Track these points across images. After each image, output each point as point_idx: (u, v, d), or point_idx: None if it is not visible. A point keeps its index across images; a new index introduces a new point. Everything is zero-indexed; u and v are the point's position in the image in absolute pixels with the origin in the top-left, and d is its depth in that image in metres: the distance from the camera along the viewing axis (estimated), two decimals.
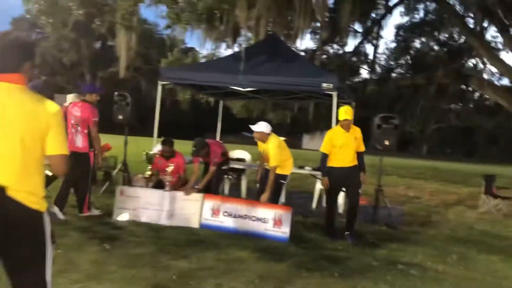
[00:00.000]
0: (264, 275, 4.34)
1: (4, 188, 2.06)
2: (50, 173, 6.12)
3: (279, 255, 5.07)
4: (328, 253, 5.36)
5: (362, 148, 6.28)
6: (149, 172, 7.14)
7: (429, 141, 48.70)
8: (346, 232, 6.07)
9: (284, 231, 5.78)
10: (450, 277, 4.74)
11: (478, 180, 13.11)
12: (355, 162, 6.19)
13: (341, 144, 6.08)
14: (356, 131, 6.21)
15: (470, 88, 20.42)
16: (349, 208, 6.29)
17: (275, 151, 6.26)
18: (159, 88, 8.05)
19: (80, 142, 6.17)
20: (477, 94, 24.47)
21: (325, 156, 6.15)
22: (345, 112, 6.00)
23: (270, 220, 5.87)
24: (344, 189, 6.43)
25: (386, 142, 7.25)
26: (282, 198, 7.48)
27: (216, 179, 7.06)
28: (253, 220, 5.96)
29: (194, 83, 8.74)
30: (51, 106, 2.20)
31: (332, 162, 6.14)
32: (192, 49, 29.45)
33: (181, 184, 6.82)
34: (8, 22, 48.34)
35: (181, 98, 22.37)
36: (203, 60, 19.35)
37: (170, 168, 6.52)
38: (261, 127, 6.38)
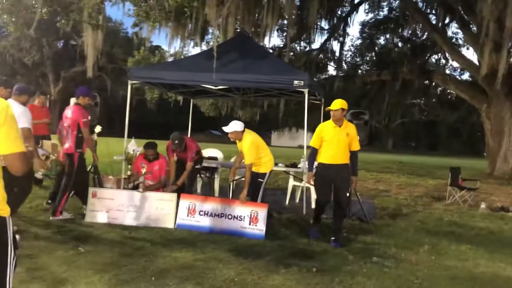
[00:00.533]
0: (242, 273, 4.34)
1: None
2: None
3: (256, 252, 5.09)
4: (304, 248, 5.41)
5: (356, 146, 5.89)
6: (129, 172, 6.99)
7: (394, 136, 49.81)
8: (332, 238, 5.69)
9: (260, 228, 5.81)
10: (423, 267, 4.87)
11: (443, 173, 13.53)
12: (346, 161, 5.80)
13: (330, 138, 5.73)
14: (349, 127, 5.84)
15: (433, 83, 21.00)
16: (335, 209, 5.85)
17: (249, 148, 6.18)
18: (129, 88, 7.93)
19: (68, 143, 6.28)
20: (440, 89, 25.15)
21: (313, 151, 5.88)
22: (334, 103, 5.66)
23: (246, 218, 5.89)
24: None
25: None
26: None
27: (190, 177, 7.01)
28: (229, 219, 5.96)
29: (165, 82, 8.65)
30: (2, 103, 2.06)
31: (321, 158, 5.82)
32: (158, 47, 29.14)
33: (160, 186, 6.75)
34: None
35: (148, 97, 22.12)
36: (170, 59, 19.19)
37: (155, 168, 6.72)
38: (233, 126, 6.28)
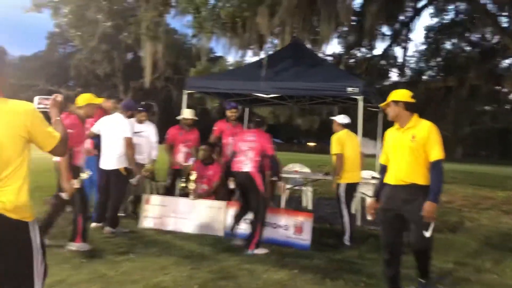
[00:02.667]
0: (287, 284, 4.27)
1: None
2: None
3: (302, 263, 4.98)
4: (354, 261, 5.22)
5: (435, 155, 3.75)
6: (183, 184, 6.84)
7: (463, 144, 47.43)
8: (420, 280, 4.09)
9: (305, 238, 5.68)
10: (483, 287, 4.54)
11: None
12: (418, 180, 3.80)
13: (391, 148, 4.05)
14: (420, 126, 3.86)
15: (505, 89, 19.79)
16: (413, 252, 4.02)
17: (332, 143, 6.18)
18: (185, 97, 8.12)
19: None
20: None
21: (382, 169, 4.17)
22: (390, 95, 4.07)
23: (291, 227, 5.79)
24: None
25: None
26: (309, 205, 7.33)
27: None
28: (274, 228, 5.89)
29: (218, 91, 8.77)
30: (26, 106, 2.22)
31: (386, 177, 4.09)
32: (220, 57, 29.73)
33: (212, 192, 6.79)
34: (45, 36, 50.24)
35: (209, 106, 22.61)
36: (230, 68, 19.51)
37: (209, 173, 6.84)
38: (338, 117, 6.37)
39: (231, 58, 23.41)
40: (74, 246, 4.98)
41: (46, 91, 44.93)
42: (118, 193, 5.91)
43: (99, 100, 5.36)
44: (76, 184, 4.87)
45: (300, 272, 4.69)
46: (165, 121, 7.98)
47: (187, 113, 7.53)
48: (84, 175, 5.11)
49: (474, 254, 5.87)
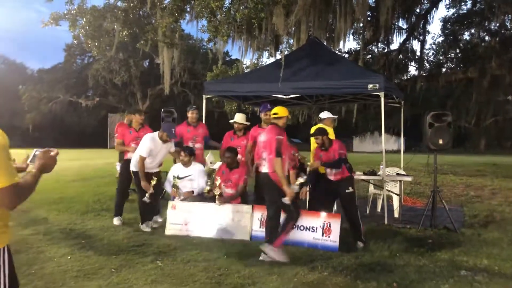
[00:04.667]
0: None
1: None
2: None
3: (332, 265, 4.90)
4: (384, 261, 5.11)
5: None
6: (208, 187, 6.70)
7: (487, 136, 46.51)
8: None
9: (333, 239, 5.59)
10: None
11: None
12: None
13: None
14: None
15: None
16: None
17: None
18: (204, 102, 8.12)
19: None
20: None
21: None
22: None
23: (319, 229, 5.70)
24: None
25: (440, 141, 6.90)
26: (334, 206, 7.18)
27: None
28: (302, 230, 5.81)
29: (236, 94, 8.74)
30: None
31: None
32: (236, 60, 29.74)
33: (238, 195, 6.74)
34: (63, 48, 51.06)
35: (227, 109, 22.61)
36: (247, 71, 19.48)
37: (234, 177, 6.73)
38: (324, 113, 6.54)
39: (247, 60, 23.38)
40: (268, 249, 5.09)
41: (67, 102, 45.73)
42: None
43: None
44: (296, 189, 5.19)
45: (330, 274, 4.61)
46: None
47: (239, 118, 7.37)
48: (301, 180, 5.35)
49: (508, 249, 5.70)
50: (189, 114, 7.59)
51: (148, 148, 6.43)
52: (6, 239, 2.06)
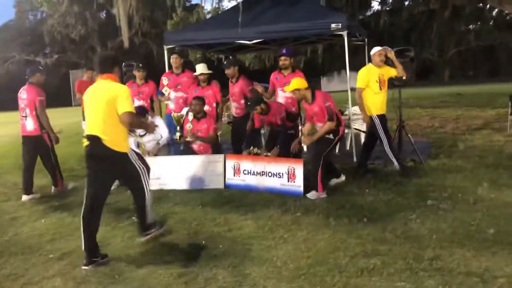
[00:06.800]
0: (291, 229, 4.33)
1: None
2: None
3: (304, 207, 5.03)
4: (354, 198, 5.29)
5: None
6: (178, 134, 6.65)
7: (450, 67, 47.27)
8: None
9: (298, 184, 5.65)
10: (482, 207, 4.64)
11: (503, 101, 12.72)
12: None
13: None
14: None
15: (487, 6, 19.48)
16: None
17: None
18: (165, 53, 7.91)
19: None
20: (496, 11, 23.36)
21: None
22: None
23: (285, 175, 5.77)
24: None
25: (404, 77, 6.97)
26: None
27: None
28: (270, 176, 5.88)
29: (198, 43, 8.53)
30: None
31: None
32: (196, 5, 28.80)
33: (210, 141, 6.70)
34: (12, 4, 48.33)
35: (192, 58, 22.19)
36: (208, 16, 18.96)
37: (203, 127, 6.68)
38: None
39: (208, 5, 22.72)
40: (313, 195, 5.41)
41: (23, 61, 43.85)
42: None
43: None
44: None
45: (303, 214, 4.76)
46: (151, 77, 7.75)
47: (201, 69, 7.15)
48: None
49: (470, 176, 5.95)
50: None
51: None
52: (128, 145, 4.05)
